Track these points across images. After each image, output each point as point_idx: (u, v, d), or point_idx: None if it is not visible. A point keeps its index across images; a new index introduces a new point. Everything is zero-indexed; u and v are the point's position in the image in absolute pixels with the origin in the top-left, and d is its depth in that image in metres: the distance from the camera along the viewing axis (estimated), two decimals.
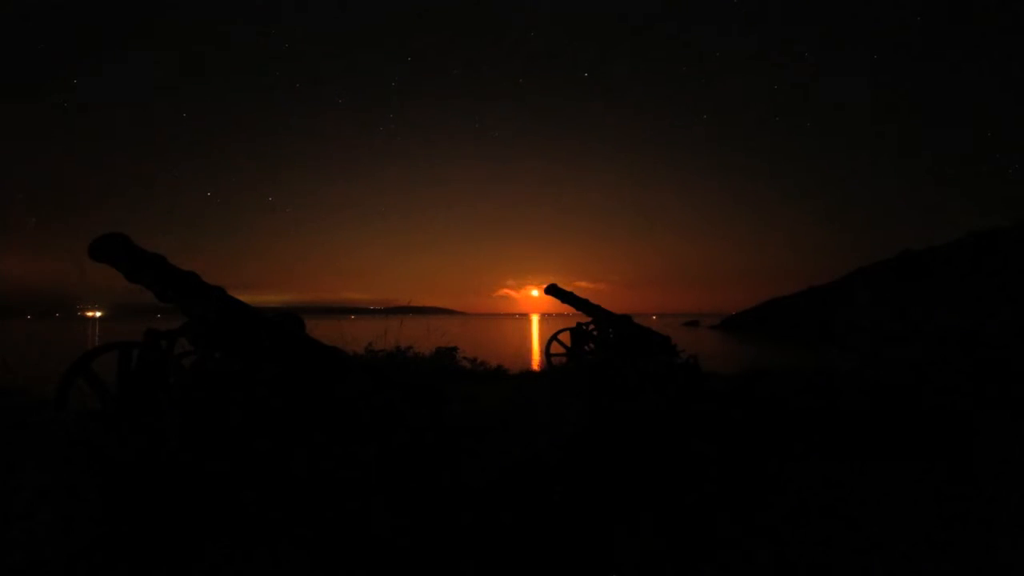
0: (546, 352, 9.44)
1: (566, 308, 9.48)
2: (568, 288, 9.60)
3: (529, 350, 10.32)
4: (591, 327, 9.30)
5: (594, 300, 9.47)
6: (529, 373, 9.03)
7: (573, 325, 9.44)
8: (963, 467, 3.79)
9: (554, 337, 9.49)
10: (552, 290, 9.47)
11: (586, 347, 9.24)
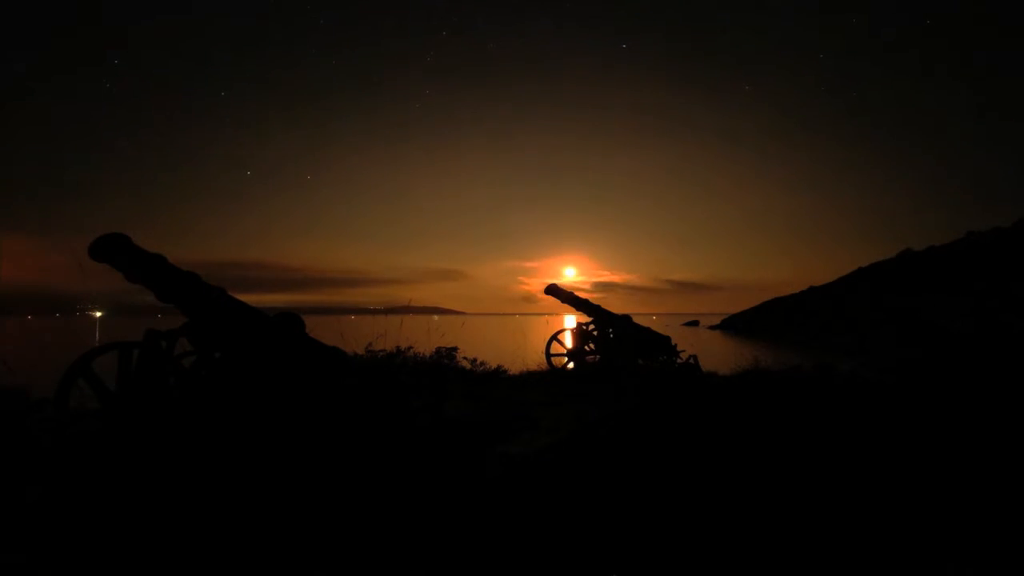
0: (546, 352, 9.44)
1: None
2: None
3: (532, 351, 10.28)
4: (591, 327, 9.29)
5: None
6: (530, 373, 9.02)
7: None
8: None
9: (554, 337, 9.49)
10: (552, 290, 9.47)
11: (586, 347, 9.24)
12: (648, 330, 9.57)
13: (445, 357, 8.45)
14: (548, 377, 8.76)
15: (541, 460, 3.90)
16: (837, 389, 6.47)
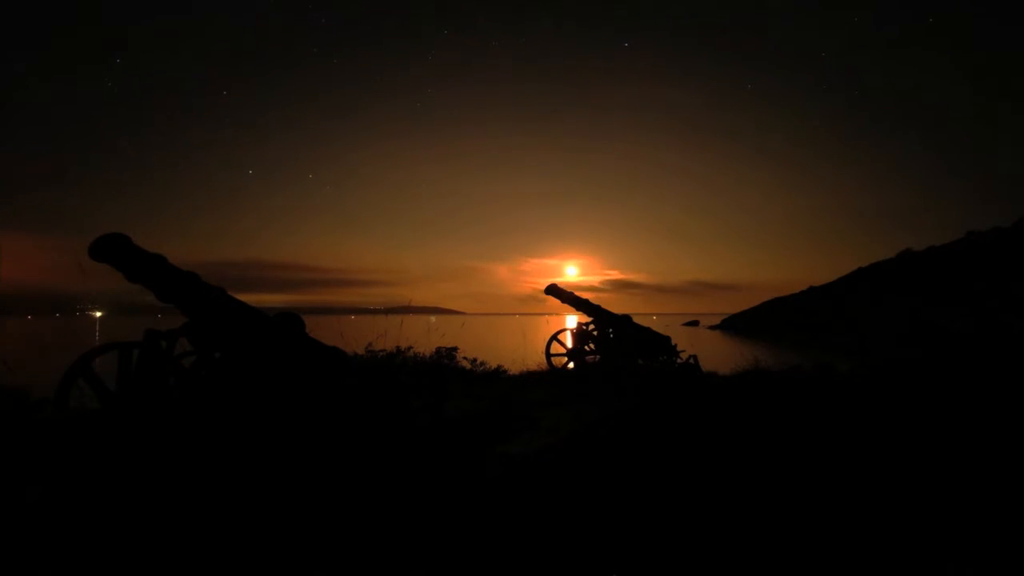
0: (546, 352, 9.44)
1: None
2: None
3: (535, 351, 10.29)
4: (591, 327, 9.29)
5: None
6: (530, 373, 9.02)
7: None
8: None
9: (554, 337, 9.49)
10: (552, 290, 9.47)
11: (586, 347, 9.24)
12: (648, 330, 9.57)
13: (445, 357, 8.44)
14: (548, 377, 8.76)
15: (541, 460, 3.90)
16: (837, 389, 6.47)
